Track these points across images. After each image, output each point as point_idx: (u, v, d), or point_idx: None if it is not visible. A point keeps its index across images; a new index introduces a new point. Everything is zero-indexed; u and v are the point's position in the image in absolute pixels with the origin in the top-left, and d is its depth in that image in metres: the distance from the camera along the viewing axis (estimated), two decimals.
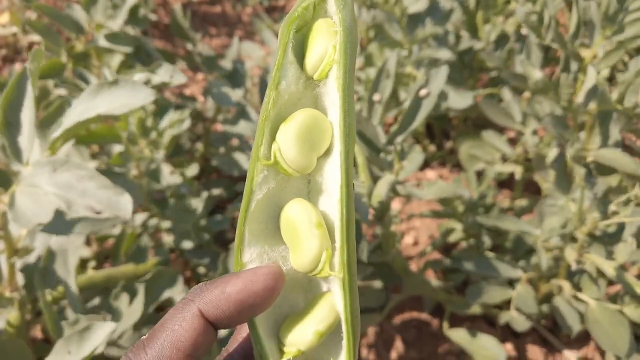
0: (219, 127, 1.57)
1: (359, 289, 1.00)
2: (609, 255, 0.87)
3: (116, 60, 1.19)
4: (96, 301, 0.90)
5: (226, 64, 1.41)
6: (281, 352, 0.35)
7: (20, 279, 0.86)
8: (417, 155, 0.90)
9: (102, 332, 0.58)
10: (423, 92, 0.87)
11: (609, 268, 0.78)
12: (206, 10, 2.18)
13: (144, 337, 0.32)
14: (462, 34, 1.41)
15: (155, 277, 0.93)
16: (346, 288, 0.34)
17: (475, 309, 1.06)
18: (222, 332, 0.90)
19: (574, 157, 0.90)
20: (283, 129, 0.34)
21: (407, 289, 1.05)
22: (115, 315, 0.87)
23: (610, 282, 1.12)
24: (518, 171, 1.30)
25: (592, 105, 0.92)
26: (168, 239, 1.09)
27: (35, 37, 1.87)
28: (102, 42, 1.04)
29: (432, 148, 1.54)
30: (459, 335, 1.04)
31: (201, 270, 1.14)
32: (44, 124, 0.66)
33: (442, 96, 1.25)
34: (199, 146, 1.44)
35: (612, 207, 0.75)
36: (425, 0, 1.23)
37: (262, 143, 0.34)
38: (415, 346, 1.14)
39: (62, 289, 0.87)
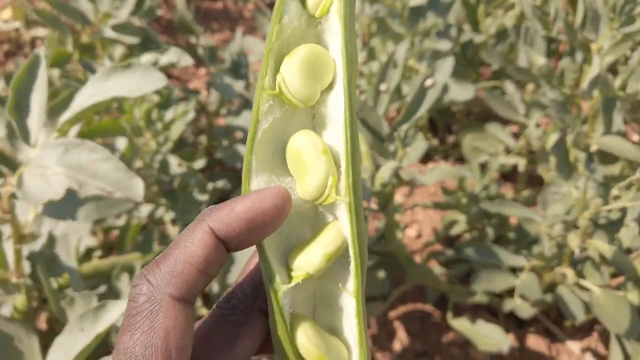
0: (222, 121, 1.57)
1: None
2: (612, 242, 0.87)
3: (118, 51, 1.19)
4: (102, 289, 0.90)
5: (229, 56, 1.41)
6: (290, 278, 0.35)
7: (26, 266, 0.86)
8: (420, 143, 0.91)
9: (116, 310, 0.58)
10: (428, 82, 0.88)
11: (609, 252, 0.79)
12: (208, 7, 2.19)
13: (157, 257, 0.33)
14: (464, 28, 1.42)
15: None
16: (352, 211, 0.35)
17: (479, 298, 1.06)
18: None
19: (575, 142, 0.91)
20: (287, 61, 0.35)
21: (411, 279, 1.05)
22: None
23: (614, 275, 1.13)
24: (521, 163, 1.30)
25: (596, 94, 0.93)
26: (173, 230, 1.10)
27: (38, 32, 1.88)
28: (109, 33, 1.04)
29: (434, 142, 1.54)
30: (462, 325, 1.04)
31: None
32: (53, 108, 0.67)
33: (444, 88, 1.25)
34: (203, 139, 1.44)
35: (614, 192, 0.75)
36: None
37: (267, 74, 0.35)
38: (418, 337, 1.14)
39: (67, 276, 0.87)
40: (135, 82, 0.63)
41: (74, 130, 0.74)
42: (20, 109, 0.64)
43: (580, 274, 0.97)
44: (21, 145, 0.65)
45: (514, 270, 1.06)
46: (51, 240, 0.87)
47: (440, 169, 0.80)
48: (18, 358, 0.66)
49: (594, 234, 0.89)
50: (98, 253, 1.09)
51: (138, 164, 1.01)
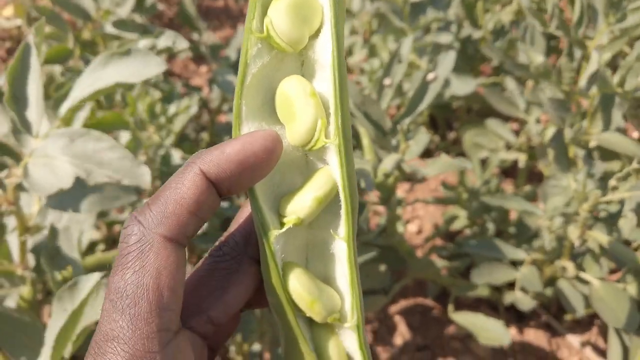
0: (224, 118, 1.58)
1: (362, 269, 1.01)
2: (612, 234, 0.88)
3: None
4: (105, 281, 0.91)
5: (230, 53, 1.42)
6: (282, 225, 0.35)
7: (31, 259, 0.87)
8: (422, 137, 0.91)
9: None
10: (431, 76, 0.89)
11: (607, 242, 0.80)
12: (209, 4, 2.20)
13: (148, 199, 0.33)
14: (464, 24, 1.43)
15: None
16: (342, 153, 0.35)
17: (480, 291, 1.07)
18: None
19: (574, 139, 0.92)
20: (274, 4, 0.35)
21: (413, 271, 1.06)
22: None
23: (614, 271, 1.14)
24: (522, 159, 1.31)
25: (594, 90, 0.94)
26: None
27: None
28: (110, 29, 1.05)
29: (435, 138, 1.55)
30: (463, 318, 1.05)
31: None
32: (53, 99, 0.67)
33: (445, 83, 1.26)
34: (205, 136, 1.45)
35: (612, 183, 0.76)
36: None
37: (255, 17, 0.35)
38: (419, 331, 1.15)
39: (71, 269, 0.88)
40: (135, 67, 0.63)
41: (78, 121, 0.75)
42: (18, 100, 0.64)
43: (580, 267, 0.98)
44: (23, 136, 0.66)
45: (515, 264, 1.07)
46: (53, 232, 0.87)
47: (441, 161, 0.80)
48: (25, 347, 0.67)
49: (594, 227, 0.90)
50: (101, 247, 1.10)
51: (141, 157, 1.02)
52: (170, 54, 1.75)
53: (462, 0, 1.39)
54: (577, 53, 1.03)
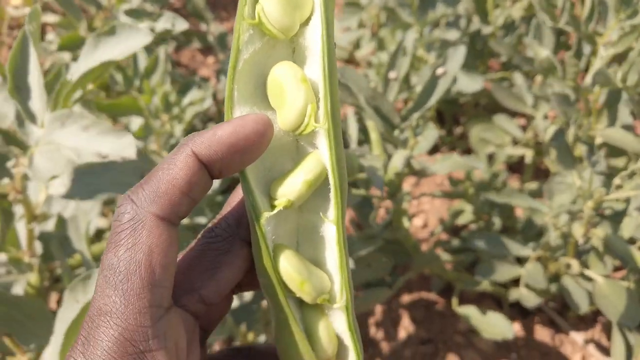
0: None
1: (365, 260, 1.02)
2: (617, 233, 0.88)
3: None
4: None
5: None
6: (273, 207, 0.36)
7: (38, 247, 0.87)
8: (431, 132, 0.91)
9: None
10: (440, 70, 0.88)
11: (610, 240, 0.80)
12: None
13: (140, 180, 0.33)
14: (473, 19, 1.42)
15: None
16: (331, 137, 0.35)
17: (485, 287, 1.07)
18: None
19: (577, 134, 0.91)
20: None
21: (417, 265, 1.06)
22: None
23: (618, 268, 1.14)
24: (528, 155, 1.31)
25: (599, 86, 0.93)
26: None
27: (48, 18, 1.89)
28: (122, 18, 1.05)
29: (442, 133, 1.55)
30: (467, 312, 1.05)
31: None
32: (51, 84, 0.68)
33: (453, 80, 1.26)
34: (212, 126, 1.45)
35: (617, 181, 0.76)
36: None
37: (246, 3, 0.35)
38: (423, 325, 1.16)
39: (78, 256, 0.89)
40: (122, 43, 0.64)
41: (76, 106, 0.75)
42: (20, 89, 0.64)
43: (584, 265, 0.98)
44: (29, 125, 0.66)
45: (519, 260, 1.07)
46: (61, 221, 0.88)
47: (451, 159, 0.80)
48: (33, 334, 0.67)
49: (599, 225, 0.90)
50: (108, 234, 1.10)
51: (153, 146, 1.02)
52: (178, 45, 1.76)
53: None
54: (587, 49, 1.02)
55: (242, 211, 0.38)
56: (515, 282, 1.07)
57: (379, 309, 1.18)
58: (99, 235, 1.08)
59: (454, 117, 1.59)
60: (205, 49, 1.86)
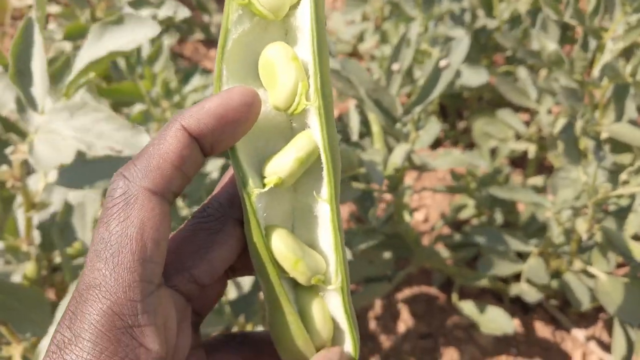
0: None
1: (367, 256, 1.01)
2: (621, 229, 0.87)
3: None
4: None
5: None
6: (264, 186, 0.36)
7: (36, 235, 0.87)
8: (433, 126, 0.91)
9: None
10: (443, 63, 0.88)
11: (612, 236, 0.79)
12: None
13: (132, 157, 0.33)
14: (478, 13, 1.41)
15: None
16: (322, 114, 0.35)
17: (485, 282, 1.06)
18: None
19: (584, 129, 0.90)
20: None
21: (418, 260, 1.05)
22: None
23: (620, 265, 1.13)
24: (531, 149, 1.30)
25: (607, 81, 0.92)
26: (182, 204, 1.10)
27: (51, 9, 1.88)
28: (125, 8, 1.04)
29: (445, 127, 1.54)
30: (468, 307, 1.05)
31: None
32: (56, 72, 0.67)
33: (456, 73, 1.25)
34: None
35: (623, 177, 0.75)
36: None
37: None
38: (423, 319, 1.15)
39: (77, 245, 0.88)
40: (129, 34, 0.63)
41: (79, 94, 0.75)
42: (23, 75, 0.64)
43: (587, 261, 0.97)
44: (29, 112, 0.66)
45: (521, 256, 1.06)
46: (67, 209, 0.87)
47: (452, 155, 0.80)
48: (31, 322, 0.67)
49: (604, 221, 0.89)
50: None
51: (152, 132, 1.02)
52: (181, 37, 1.75)
53: None
54: (592, 43, 1.01)
55: (234, 191, 0.37)
56: (516, 277, 1.06)
57: (378, 303, 1.17)
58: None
59: (458, 111, 1.58)
60: (208, 41, 1.85)
